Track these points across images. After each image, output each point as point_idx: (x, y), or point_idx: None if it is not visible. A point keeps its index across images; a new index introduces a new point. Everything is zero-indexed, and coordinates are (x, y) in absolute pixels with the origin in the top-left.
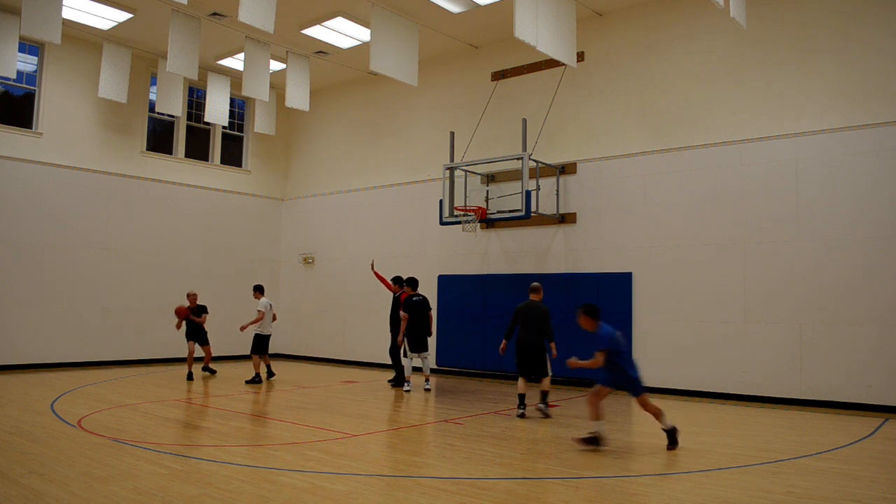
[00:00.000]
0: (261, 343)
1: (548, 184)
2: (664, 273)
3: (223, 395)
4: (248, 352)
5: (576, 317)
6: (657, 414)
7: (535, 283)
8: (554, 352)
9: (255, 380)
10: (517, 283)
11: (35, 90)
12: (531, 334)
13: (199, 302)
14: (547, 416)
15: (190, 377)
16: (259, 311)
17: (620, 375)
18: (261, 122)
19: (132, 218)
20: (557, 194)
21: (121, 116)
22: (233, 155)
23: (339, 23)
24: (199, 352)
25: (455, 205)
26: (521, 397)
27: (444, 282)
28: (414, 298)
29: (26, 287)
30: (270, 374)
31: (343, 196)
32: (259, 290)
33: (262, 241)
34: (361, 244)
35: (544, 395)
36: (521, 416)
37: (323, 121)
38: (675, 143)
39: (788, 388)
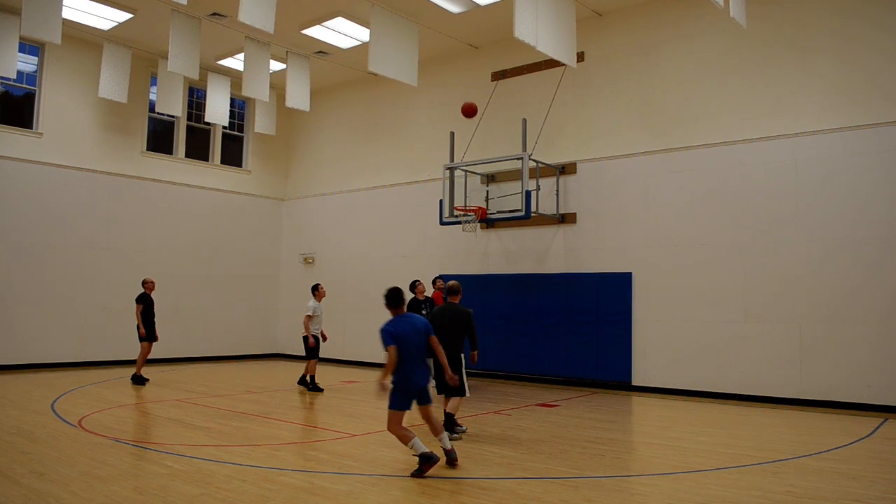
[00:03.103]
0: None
1: (548, 184)
2: (664, 273)
3: (224, 395)
4: (245, 352)
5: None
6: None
7: (453, 283)
8: (474, 358)
9: (304, 383)
10: (517, 283)
11: (35, 90)
12: (445, 345)
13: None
14: (455, 439)
15: (141, 381)
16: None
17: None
18: (261, 123)
19: (132, 218)
20: (557, 194)
21: (121, 116)
22: (233, 155)
23: (339, 23)
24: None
25: (455, 205)
26: (446, 417)
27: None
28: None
29: (27, 287)
30: (302, 381)
31: (343, 196)
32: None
33: (263, 241)
34: (361, 244)
35: (448, 418)
36: (455, 437)
37: (323, 121)
38: (675, 144)
39: (788, 388)
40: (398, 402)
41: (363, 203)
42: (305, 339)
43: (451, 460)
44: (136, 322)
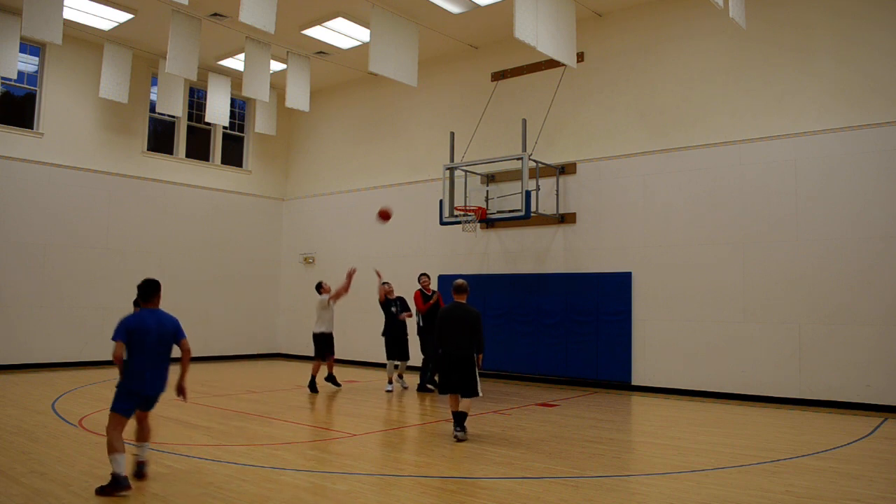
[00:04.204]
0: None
1: (548, 184)
2: (664, 273)
3: (224, 394)
4: (245, 351)
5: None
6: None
7: (461, 282)
8: (479, 362)
9: (311, 386)
10: (517, 283)
11: (36, 90)
12: (452, 345)
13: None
14: (462, 440)
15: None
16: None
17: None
18: (261, 123)
19: (133, 218)
20: (557, 194)
21: (121, 117)
22: (233, 155)
23: (340, 23)
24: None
25: (455, 205)
26: (456, 416)
27: (445, 282)
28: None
29: (27, 287)
30: (331, 381)
31: (343, 196)
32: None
33: (262, 241)
34: (362, 244)
35: (460, 418)
36: (460, 439)
37: (323, 121)
38: (675, 144)
39: (788, 388)
40: (120, 406)
41: (363, 203)
42: (322, 336)
43: (141, 473)
44: None
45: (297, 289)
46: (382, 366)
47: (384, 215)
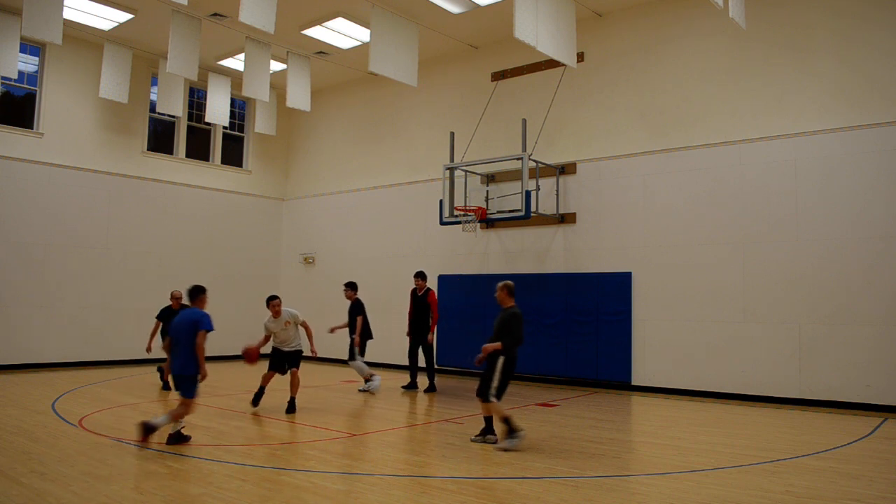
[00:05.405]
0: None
1: (548, 184)
2: (664, 273)
3: (224, 395)
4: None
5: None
6: (177, 417)
7: (512, 283)
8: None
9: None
10: (517, 283)
11: (36, 90)
12: (509, 349)
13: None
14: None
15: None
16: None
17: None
18: (261, 123)
19: (133, 218)
20: (557, 194)
21: (121, 117)
22: (233, 155)
23: (340, 23)
24: None
25: (455, 205)
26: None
27: (445, 282)
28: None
29: (27, 287)
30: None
31: (343, 196)
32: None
33: (262, 241)
34: (362, 244)
35: (487, 421)
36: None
37: (323, 121)
38: (675, 144)
39: (788, 388)
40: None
41: (363, 203)
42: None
43: (180, 438)
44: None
45: (297, 289)
46: (382, 366)
47: (249, 355)
